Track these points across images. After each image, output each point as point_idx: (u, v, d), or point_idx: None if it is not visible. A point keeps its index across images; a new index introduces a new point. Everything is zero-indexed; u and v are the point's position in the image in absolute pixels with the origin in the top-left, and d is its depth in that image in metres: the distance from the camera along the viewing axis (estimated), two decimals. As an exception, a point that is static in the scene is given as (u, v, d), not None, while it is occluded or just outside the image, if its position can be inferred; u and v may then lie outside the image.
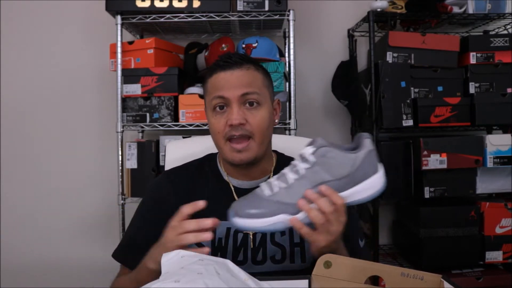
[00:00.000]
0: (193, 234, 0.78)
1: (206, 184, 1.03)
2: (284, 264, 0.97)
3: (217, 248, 0.96)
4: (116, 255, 1.03)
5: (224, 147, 0.95)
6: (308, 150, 0.77)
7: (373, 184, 0.78)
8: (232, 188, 1.01)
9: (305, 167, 0.76)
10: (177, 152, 1.23)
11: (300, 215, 0.76)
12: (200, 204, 0.79)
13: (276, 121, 1.04)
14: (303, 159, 0.77)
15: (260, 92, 0.96)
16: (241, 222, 0.76)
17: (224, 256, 0.95)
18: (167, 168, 1.20)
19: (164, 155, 1.26)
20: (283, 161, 1.06)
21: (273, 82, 1.06)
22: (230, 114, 0.93)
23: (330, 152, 0.76)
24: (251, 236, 0.97)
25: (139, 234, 1.00)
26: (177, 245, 0.78)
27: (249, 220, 0.76)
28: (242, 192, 1.00)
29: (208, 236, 0.78)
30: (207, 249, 0.78)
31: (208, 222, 0.78)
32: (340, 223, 0.76)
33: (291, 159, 1.08)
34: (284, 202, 0.75)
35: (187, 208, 0.80)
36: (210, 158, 1.08)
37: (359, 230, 1.02)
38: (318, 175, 0.76)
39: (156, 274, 0.82)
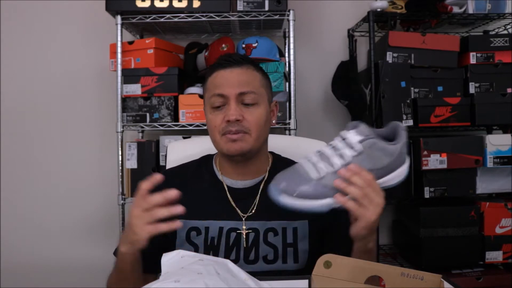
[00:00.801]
0: (165, 224, 0.79)
1: (201, 183, 1.04)
2: (276, 264, 0.97)
3: (209, 247, 0.97)
4: (116, 252, 1.04)
5: (220, 140, 0.97)
6: (355, 137, 0.79)
7: (401, 173, 0.83)
8: (226, 188, 1.02)
9: (352, 154, 0.79)
10: (178, 152, 1.24)
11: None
12: (172, 193, 0.79)
13: (273, 121, 1.05)
14: (349, 145, 0.79)
15: (258, 92, 0.98)
16: (289, 201, 0.78)
17: (216, 255, 0.96)
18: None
19: (165, 156, 1.27)
20: (280, 162, 1.07)
21: (271, 83, 1.08)
22: (228, 110, 0.95)
23: (376, 144, 0.79)
24: (244, 236, 0.98)
25: None
26: (149, 233, 0.79)
27: (298, 201, 0.78)
28: (235, 191, 1.01)
29: (178, 224, 0.79)
30: (178, 223, 0.79)
31: (173, 193, 0.79)
32: (379, 195, 0.78)
33: (288, 160, 1.09)
34: (331, 186, 0.78)
35: (146, 184, 0.81)
36: (207, 159, 1.10)
37: None
38: (362, 163, 0.78)
39: (129, 257, 0.84)
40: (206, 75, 1.03)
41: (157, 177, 0.81)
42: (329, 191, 0.78)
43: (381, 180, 0.81)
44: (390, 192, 1.99)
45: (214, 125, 0.97)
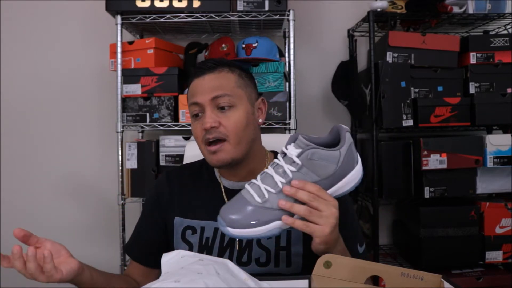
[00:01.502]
0: None
1: (199, 183, 1.05)
2: (268, 267, 0.96)
3: (204, 247, 0.98)
4: (126, 248, 1.11)
5: (204, 151, 0.98)
6: (294, 151, 0.75)
7: (354, 176, 0.79)
8: (223, 189, 1.03)
9: (292, 170, 0.75)
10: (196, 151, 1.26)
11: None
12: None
13: (260, 120, 1.03)
14: (289, 160, 0.76)
15: (232, 94, 0.96)
16: (236, 232, 0.74)
17: (209, 254, 0.96)
18: None
19: (170, 156, 1.30)
20: None
21: (258, 83, 1.06)
22: (203, 118, 0.95)
23: (316, 153, 0.75)
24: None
25: (141, 229, 1.08)
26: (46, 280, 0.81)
27: (245, 230, 0.74)
28: (231, 192, 1.01)
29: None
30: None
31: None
32: (328, 205, 0.75)
33: None
34: (276, 208, 0.74)
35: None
36: None
37: (358, 236, 1.00)
38: (306, 177, 0.75)
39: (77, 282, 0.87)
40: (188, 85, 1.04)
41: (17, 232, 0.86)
42: (276, 213, 0.74)
43: (332, 189, 0.77)
44: (390, 192, 1.99)
45: (196, 135, 0.98)
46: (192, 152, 1.27)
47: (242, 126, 0.95)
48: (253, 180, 0.77)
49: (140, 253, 1.06)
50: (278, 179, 0.75)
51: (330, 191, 0.77)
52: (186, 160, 1.28)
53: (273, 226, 0.74)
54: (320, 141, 0.79)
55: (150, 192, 1.10)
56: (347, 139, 0.77)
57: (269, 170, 0.77)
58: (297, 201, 0.74)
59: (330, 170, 0.76)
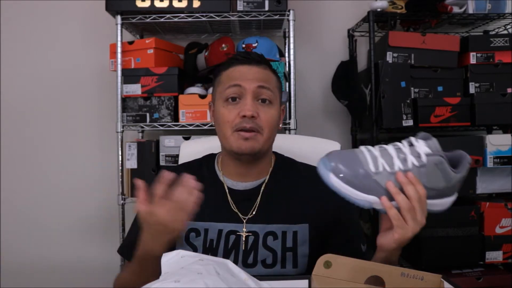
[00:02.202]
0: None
1: (203, 183, 1.02)
2: (274, 268, 0.95)
3: (208, 249, 0.96)
4: (121, 250, 1.07)
5: (231, 136, 0.95)
6: (424, 148, 0.76)
7: (445, 203, 0.79)
8: (226, 189, 1.01)
9: (415, 163, 0.75)
10: (190, 151, 1.25)
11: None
12: (191, 183, 0.80)
13: (280, 125, 1.04)
14: (415, 153, 0.76)
15: (273, 91, 0.98)
16: (335, 182, 0.74)
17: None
18: None
19: (170, 156, 1.28)
20: (283, 162, 1.07)
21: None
22: (244, 105, 0.94)
23: (442, 164, 0.76)
24: (243, 239, 0.96)
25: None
26: (186, 223, 0.79)
27: (344, 185, 0.74)
28: (236, 193, 1.00)
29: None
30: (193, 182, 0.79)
31: (192, 183, 0.79)
32: (423, 213, 0.76)
33: (289, 159, 1.09)
34: (382, 185, 0.74)
35: (161, 185, 0.79)
36: (209, 158, 1.09)
37: (361, 235, 1.01)
38: (420, 176, 0.75)
39: (154, 259, 0.80)
40: (221, 69, 1.01)
41: (166, 175, 0.79)
42: (378, 189, 0.74)
43: (428, 202, 0.77)
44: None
45: (227, 120, 0.95)
46: (187, 151, 1.25)
47: (275, 123, 0.98)
48: (371, 148, 0.77)
49: None
50: (397, 162, 0.75)
51: (429, 202, 0.77)
52: (181, 160, 1.25)
53: (369, 199, 0.74)
54: (444, 154, 0.80)
55: None
56: (465, 169, 0.79)
57: (390, 148, 0.77)
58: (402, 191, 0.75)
59: (440, 185, 0.77)
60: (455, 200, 0.80)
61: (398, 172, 0.74)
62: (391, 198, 0.74)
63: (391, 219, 0.74)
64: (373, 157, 0.75)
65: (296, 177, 1.03)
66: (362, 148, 0.77)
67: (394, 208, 0.74)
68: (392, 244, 0.77)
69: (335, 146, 1.25)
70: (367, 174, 0.74)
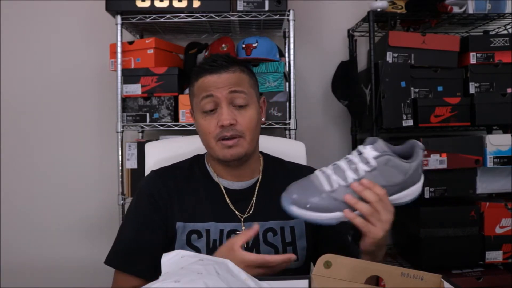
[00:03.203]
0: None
1: (196, 185, 1.02)
2: None
3: (212, 250, 0.95)
4: (113, 261, 0.97)
5: (215, 146, 0.96)
6: (371, 153, 0.79)
7: (414, 191, 0.83)
8: (223, 189, 1.02)
9: (366, 169, 0.79)
10: (158, 153, 1.25)
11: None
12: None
13: (263, 119, 1.05)
14: (364, 160, 0.79)
15: (248, 92, 0.97)
16: (298, 212, 0.79)
17: None
18: (147, 169, 1.20)
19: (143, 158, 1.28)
20: (270, 161, 1.09)
21: (259, 83, 1.07)
22: (221, 115, 0.94)
23: (391, 160, 0.80)
24: None
25: (143, 235, 0.97)
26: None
27: (307, 213, 0.78)
28: (232, 193, 1.01)
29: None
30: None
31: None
32: (388, 212, 0.79)
33: (277, 159, 1.11)
34: (341, 200, 0.78)
35: (251, 232, 0.82)
36: (198, 159, 1.08)
37: (348, 226, 1.01)
38: (375, 179, 0.79)
39: None
40: (192, 81, 1.00)
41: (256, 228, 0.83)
42: (339, 204, 0.78)
43: (393, 197, 0.81)
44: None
45: (208, 131, 0.96)
46: (156, 157, 1.24)
47: (255, 124, 0.98)
48: (324, 169, 0.82)
49: (142, 265, 0.94)
50: (350, 174, 0.79)
51: (391, 198, 0.81)
52: (148, 160, 1.24)
53: (333, 216, 0.79)
54: (394, 150, 0.83)
55: (142, 195, 1.01)
56: (419, 156, 0.82)
57: (342, 163, 0.81)
58: (361, 199, 0.78)
59: (397, 180, 0.80)
60: (422, 183, 0.83)
61: (353, 183, 0.78)
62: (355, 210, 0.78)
63: (359, 227, 0.79)
64: (326, 177, 0.80)
65: (285, 175, 1.05)
66: (317, 172, 0.82)
67: (359, 216, 0.78)
68: (370, 247, 0.81)
69: (299, 146, 1.28)
70: (325, 195, 0.79)
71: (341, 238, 1.02)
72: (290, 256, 0.81)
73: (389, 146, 0.82)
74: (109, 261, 0.97)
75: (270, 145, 1.20)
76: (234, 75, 0.97)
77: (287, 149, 1.26)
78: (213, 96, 0.95)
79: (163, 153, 1.24)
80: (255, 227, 0.82)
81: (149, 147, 1.28)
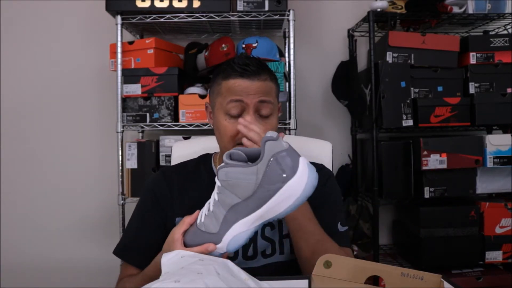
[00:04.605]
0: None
1: (199, 183, 1.04)
2: (274, 257, 0.98)
3: None
4: (119, 252, 1.02)
5: (231, 148, 0.95)
6: (218, 178, 0.69)
7: (291, 191, 0.64)
8: None
9: (217, 191, 0.70)
10: (183, 152, 1.25)
11: (220, 245, 0.71)
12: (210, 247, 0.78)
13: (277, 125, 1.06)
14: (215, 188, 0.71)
15: (274, 102, 0.99)
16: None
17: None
18: None
19: (170, 156, 1.28)
20: None
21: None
22: None
23: (230, 172, 0.66)
24: None
25: (142, 230, 1.01)
26: None
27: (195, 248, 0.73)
28: None
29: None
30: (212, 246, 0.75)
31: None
32: (257, 126, 0.90)
33: None
34: (210, 232, 0.71)
35: (189, 219, 0.79)
36: (205, 159, 1.09)
37: (339, 215, 1.01)
38: (228, 198, 0.67)
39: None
40: (219, 77, 0.99)
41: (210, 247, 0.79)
42: (209, 236, 0.71)
43: (260, 211, 0.66)
44: (390, 192, 1.99)
45: (229, 134, 0.96)
46: (179, 153, 1.24)
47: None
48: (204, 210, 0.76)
49: (141, 257, 0.98)
50: (210, 200, 0.73)
51: (258, 213, 0.66)
52: (173, 161, 1.24)
53: (200, 249, 0.71)
54: (248, 156, 0.70)
55: (146, 192, 1.05)
56: (267, 150, 0.64)
57: (212, 196, 0.74)
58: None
59: (248, 191, 0.65)
60: (303, 176, 0.64)
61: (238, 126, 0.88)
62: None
63: (247, 145, 0.87)
64: (203, 213, 0.74)
65: None
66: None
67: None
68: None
69: (326, 146, 1.26)
70: (197, 228, 0.73)
71: (326, 226, 0.97)
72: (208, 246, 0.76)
73: (249, 151, 0.69)
74: (115, 251, 1.03)
75: (297, 144, 1.20)
76: (265, 84, 0.97)
77: (313, 148, 1.25)
78: (242, 102, 0.95)
79: (190, 154, 1.22)
80: (195, 213, 0.78)
81: (176, 148, 1.28)
